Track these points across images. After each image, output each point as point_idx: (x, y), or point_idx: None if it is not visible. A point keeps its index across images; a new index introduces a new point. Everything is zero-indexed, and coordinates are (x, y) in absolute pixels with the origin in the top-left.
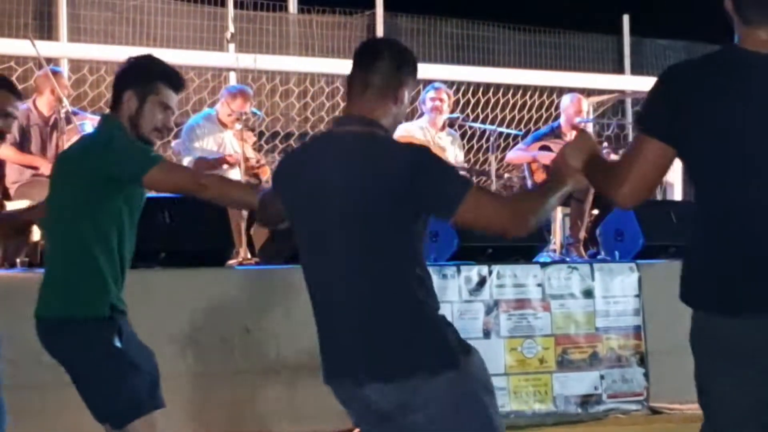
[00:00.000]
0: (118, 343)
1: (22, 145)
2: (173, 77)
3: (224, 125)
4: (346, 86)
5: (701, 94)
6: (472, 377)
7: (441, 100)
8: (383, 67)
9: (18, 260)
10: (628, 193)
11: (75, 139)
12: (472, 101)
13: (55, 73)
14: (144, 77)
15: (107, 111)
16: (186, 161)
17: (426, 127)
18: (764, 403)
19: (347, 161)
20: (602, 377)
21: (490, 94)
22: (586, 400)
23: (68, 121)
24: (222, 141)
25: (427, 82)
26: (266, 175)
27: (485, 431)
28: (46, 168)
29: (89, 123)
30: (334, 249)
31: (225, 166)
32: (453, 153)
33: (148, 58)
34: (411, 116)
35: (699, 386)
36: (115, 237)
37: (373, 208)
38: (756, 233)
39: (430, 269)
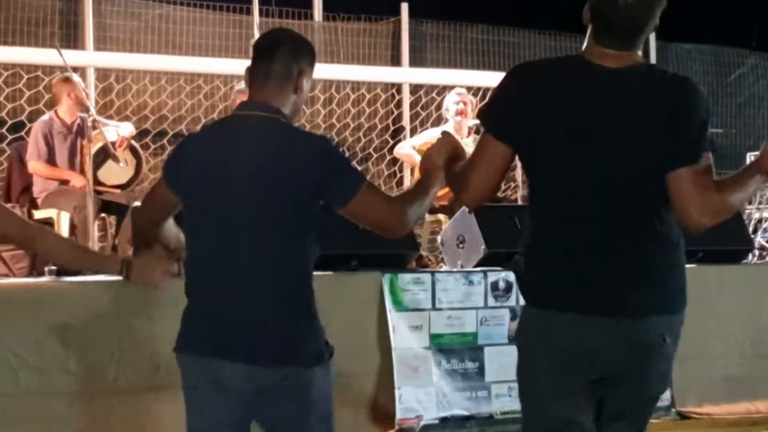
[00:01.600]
0: None
1: (49, 155)
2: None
3: None
4: (248, 77)
5: (544, 97)
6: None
7: (465, 103)
8: (282, 57)
9: (46, 269)
10: (469, 198)
11: (99, 145)
12: None
13: (69, 78)
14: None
15: (133, 118)
16: None
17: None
18: (573, 400)
19: (253, 142)
20: None
21: None
22: None
23: (94, 127)
24: None
25: (453, 88)
26: None
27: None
28: (77, 180)
29: (113, 129)
30: (234, 230)
31: None
32: None
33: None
34: (438, 122)
35: (521, 377)
36: None
37: (278, 191)
38: (576, 239)
39: (458, 275)
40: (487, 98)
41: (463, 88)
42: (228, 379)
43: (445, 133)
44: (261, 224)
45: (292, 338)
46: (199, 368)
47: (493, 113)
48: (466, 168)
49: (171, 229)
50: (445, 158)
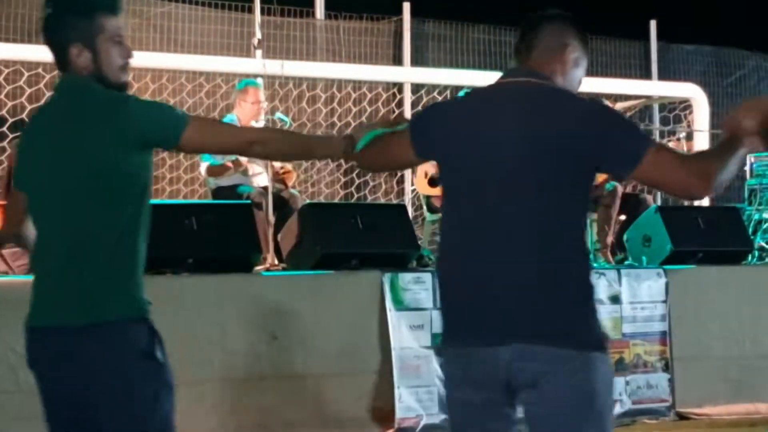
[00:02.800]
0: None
1: None
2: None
3: None
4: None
5: None
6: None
7: None
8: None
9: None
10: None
11: None
12: None
13: None
14: (83, 17)
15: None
16: (203, 168)
17: None
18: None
19: (522, 110)
20: (627, 383)
21: None
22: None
23: None
24: None
25: (455, 88)
26: (292, 180)
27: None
28: None
29: None
30: (499, 200)
31: (249, 171)
32: None
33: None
34: None
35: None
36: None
37: (549, 163)
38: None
39: None
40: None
41: (469, 88)
42: (498, 366)
43: (758, 99)
44: (537, 193)
45: (570, 319)
46: (467, 359)
47: None
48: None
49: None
50: (759, 121)
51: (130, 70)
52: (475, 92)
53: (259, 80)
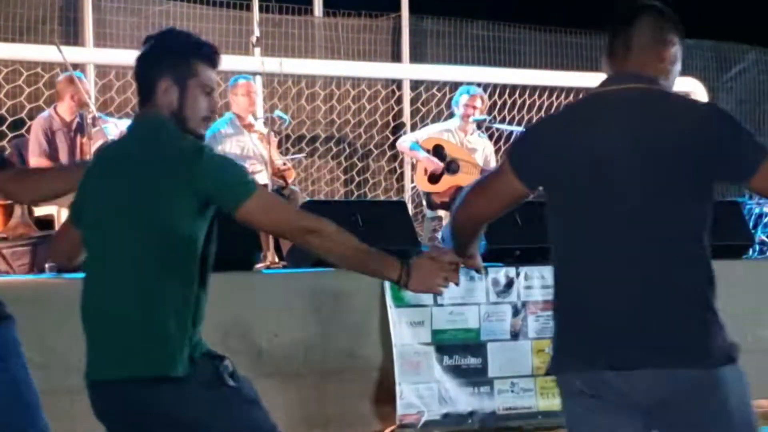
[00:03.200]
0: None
1: (50, 151)
2: (210, 51)
3: (246, 127)
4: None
5: None
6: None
7: (474, 107)
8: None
9: (47, 266)
10: None
11: (100, 143)
12: (499, 103)
13: (75, 79)
14: (179, 57)
15: (133, 116)
16: None
17: (455, 130)
18: None
19: (629, 117)
20: None
21: (516, 95)
22: None
23: (94, 125)
24: (245, 144)
25: (455, 84)
26: (291, 177)
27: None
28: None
29: (112, 126)
30: (629, 218)
31: (249, 170)
32: (482, 155)
33: (178, 33)
34: (438, 118)
35: None
36: None
37: (674, 175)
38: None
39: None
40: None
41: (478, 88)
42: (631, 391)
43: None
44: (657, 208)
45: (697, 335)
46: (594, 384)
47: None
48: None
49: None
50: None
51: (209, 125)
52: (580, 104)
53: (257, 77)
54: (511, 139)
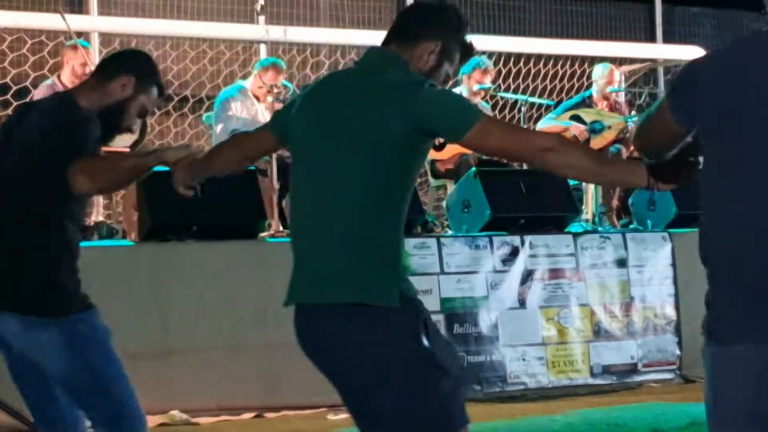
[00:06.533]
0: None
1: None
2: (469, 54)
3: (257, 98)
4: None
5: None
6: None
7: (481, 82)
8: None
9: None
10: None
11: None
12: (504, 71)
13: (78, 47)
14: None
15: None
16: (219, 129)
17: None
18: None
19: None
20: (639, 346)
21: (521, 63)
22: (622, 370)
23: None
24: (255, 114)
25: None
26: None
27: None
28: None
29: None
30: None
31: None
32: None
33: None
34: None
35: None
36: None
37: None
38: None
39: (463, 239)
40: None
41: (489, 62)
42: None
43: None
44: None
45: None
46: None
47: None
48: None
49: None
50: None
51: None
52: (738, 43)
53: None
54: (516, 108)
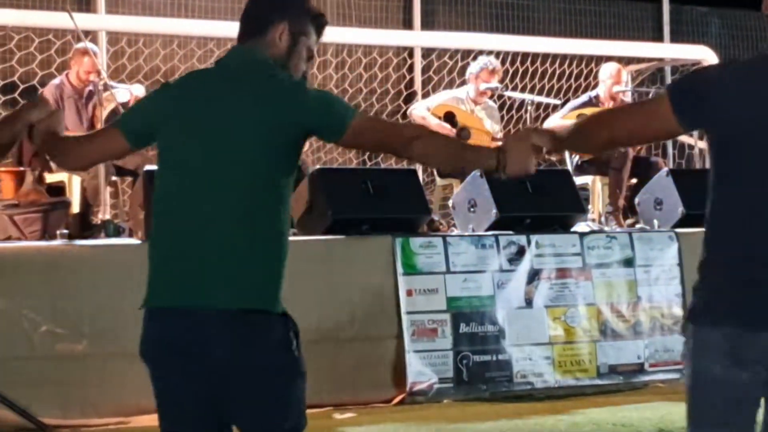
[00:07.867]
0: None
1: None
2: (323, 23)
3: None
4: None
5: None
6: None
7: (488, 83)
8: None
9: (58, 232)
10: None
11: (111, 107)
12: (511, 70)
13: (88, 53)
14: (299, 12)
15: (145, 83)
16: None
17: (466, 99)
18: None
19: None
20: (646, 346)
21: (528, 63)
22: (629, 369)
23: (105, 89)
24: None
25: (467, 52)
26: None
27: None
28: None
29: (124, 90)
30: None
31: None
32: (489, 124)
33: None
34: (450, 85)
35: None
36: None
37: None
38: None
39: (469, 239)
40: None
41: (497, 63)
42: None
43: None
44: None
45: None
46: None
47: None
48: None
49: None
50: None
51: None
52: (762, 55)
53: None
54: (523, 108)
